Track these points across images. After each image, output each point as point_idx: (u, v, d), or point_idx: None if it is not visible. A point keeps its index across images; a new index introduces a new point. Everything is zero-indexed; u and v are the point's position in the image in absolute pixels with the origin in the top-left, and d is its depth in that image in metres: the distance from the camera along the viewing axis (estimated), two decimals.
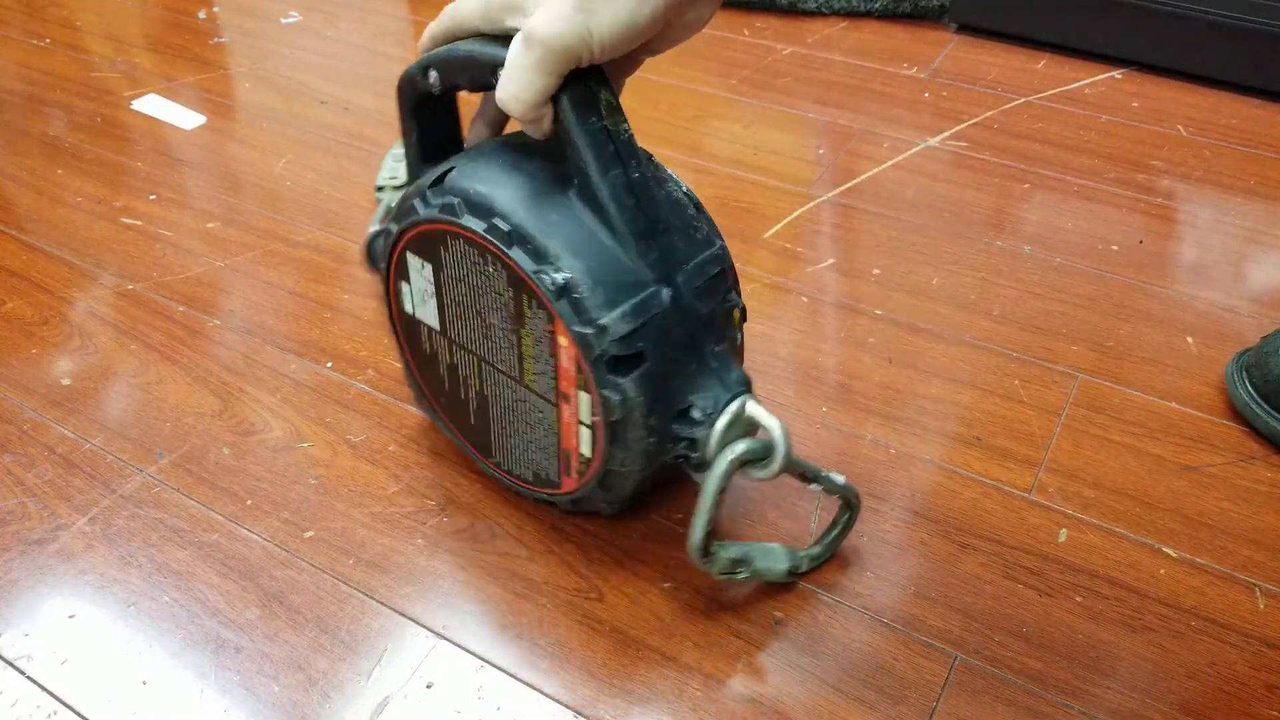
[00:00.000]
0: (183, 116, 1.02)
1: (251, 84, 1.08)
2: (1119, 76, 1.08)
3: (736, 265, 0.79)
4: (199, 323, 0.74)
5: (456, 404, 0.58)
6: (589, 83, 0.44)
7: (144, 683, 0.51)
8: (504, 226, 0.47)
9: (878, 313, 0.75)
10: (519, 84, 0.43)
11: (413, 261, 0.53)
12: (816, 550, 0.55)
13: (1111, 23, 1.08)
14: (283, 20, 1.22)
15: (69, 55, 1.14)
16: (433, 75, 0.50)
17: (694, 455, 0.49)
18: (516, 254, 0.47)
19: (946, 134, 0.98)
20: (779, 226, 0.85)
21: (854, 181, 0.91)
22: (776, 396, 0.67)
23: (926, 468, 0.62)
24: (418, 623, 0.53)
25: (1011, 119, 1.00)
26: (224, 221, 0.85)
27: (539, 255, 0.46)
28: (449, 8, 0.48)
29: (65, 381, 0.69)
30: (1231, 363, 0.67)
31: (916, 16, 1.21)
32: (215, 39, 1.18)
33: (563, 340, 0.47)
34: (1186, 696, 0.50)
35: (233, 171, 0.93)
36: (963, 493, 0.61)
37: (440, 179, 0.50)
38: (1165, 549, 0.57)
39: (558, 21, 0.41)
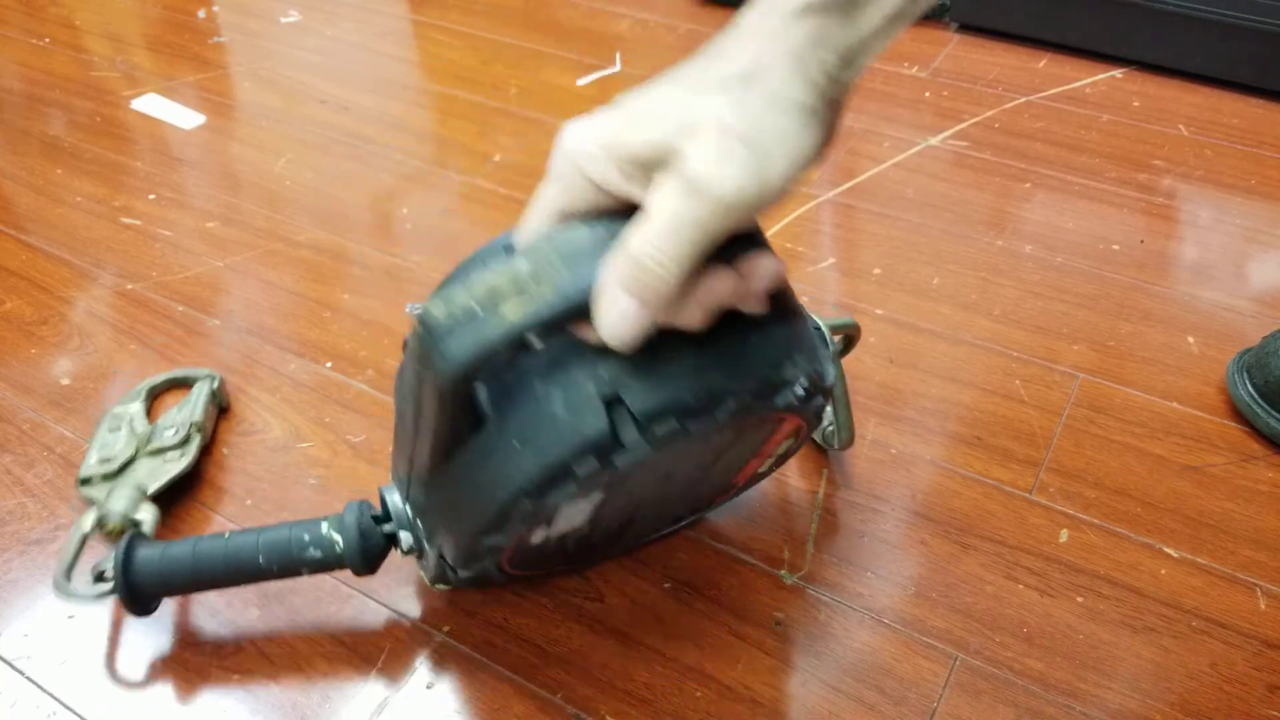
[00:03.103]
0: (182, 116, 1.01)
1: (251, 83, 1.08)
2: (1120, 76, 1.08)
3: None
4: (198, 322, 0.74)
5: (575, 551, 0.51)
6: None
7: (143, 684, 0.51)
8: (741, 403, 0.39)
9: (878, 312, 0.75)
10: (678, 242, 0.32)
11: (569, 506, 0.43)
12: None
13: (1113, 22, 1.07)
14: (282, 19, 1.22)
15: (68, 55, 1.14)
16: (536, 340, 0.35)
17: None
18: (773, 405, 0.41)
19: (947, 133, 0.97)
20: (779, 226, 0.84)
21: (855, 181, 0.90)
22: None
23: (927, 468, 0.62)
24: (418, 623, 0.53)
25: (1012, 118, 1.00)
26: (223, 221, 0.85)
27: (772, 390, 0.41)
28: (549, 194, 0.36)
29: (64, 381, 0.69)
30: (1232, 363, 0.67)
31: None
32: (215, 38, 1.18)
33: (788, 425, 0.46)
34: (1187, 697, 0.50)
35: (232, 171, 0.93)
36: (964, 493, 0.61)
37: (633, 420, 0.38)
38: (1166, 549, 0.57)
39: (727, 167, 0.31)
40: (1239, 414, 0.65)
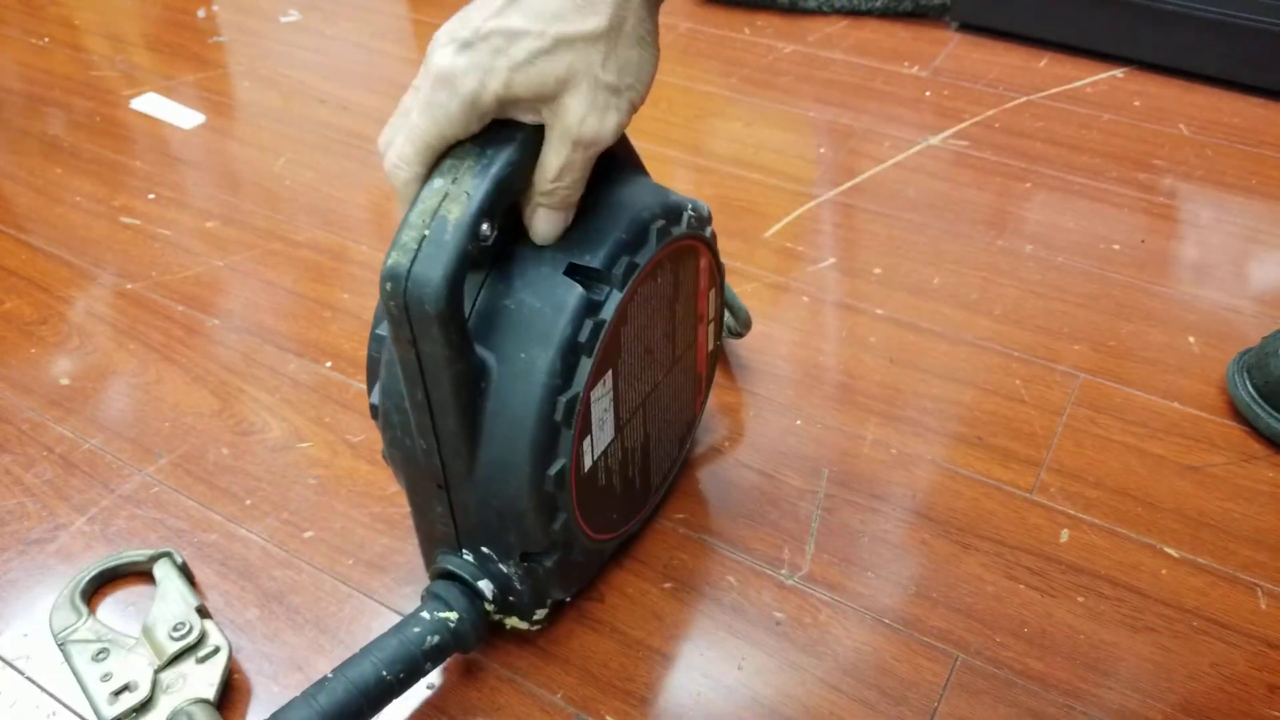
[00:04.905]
0: (182, 115, 1.01)
1: (251, 83, 1.08)
2: (1121, 75, 1.08)
3: (737, 265, 0.79)
4: (198, 322, 0.74)
5: (622, 493, 0.52)
6: None
7: None
8: (659, 225, 0.46)
9: (879, 312, 0.75)
10: (573, 172, 0.41)
11: (597, 401, 0.46)
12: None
13: (1113, 21, 1.07)
14: (282, 19, 1.22)
15: (68, 54, 1.14)
16: (485, 227, 0.39)
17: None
18: (683, 229, 0.48)
19: (948, 133, 0.97)
20: (780, 226, 0.84)
21: (855, 180, 0.90)
22: (778, 396, 0.67)
23: (928, 468, 0.62)
24: None
25: (1013, 118, 1.00)
26: (223, 220, 0.85)
27: (675, 214, 0.48)
28: (421, 125, 0.39)
29: (64, 381, 0.69)
30: (1233, 364, 0.67)
31: (918, 15, 1.21)
32: (214, 38, 1.18)
33: (703, 262, 0.53)
34: (1188, 697, 0.50)
35: (232, 170, 0.93)
36: (964, 493, 0.60)
37: (594, 273, 0.43)
38: (1167, 549, 0.57)
39: (606, 117, 0.40)
40: (1239, 414, 0.65)
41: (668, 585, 0.55)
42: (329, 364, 0.70)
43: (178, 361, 0.70)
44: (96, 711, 0.48)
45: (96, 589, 0.55)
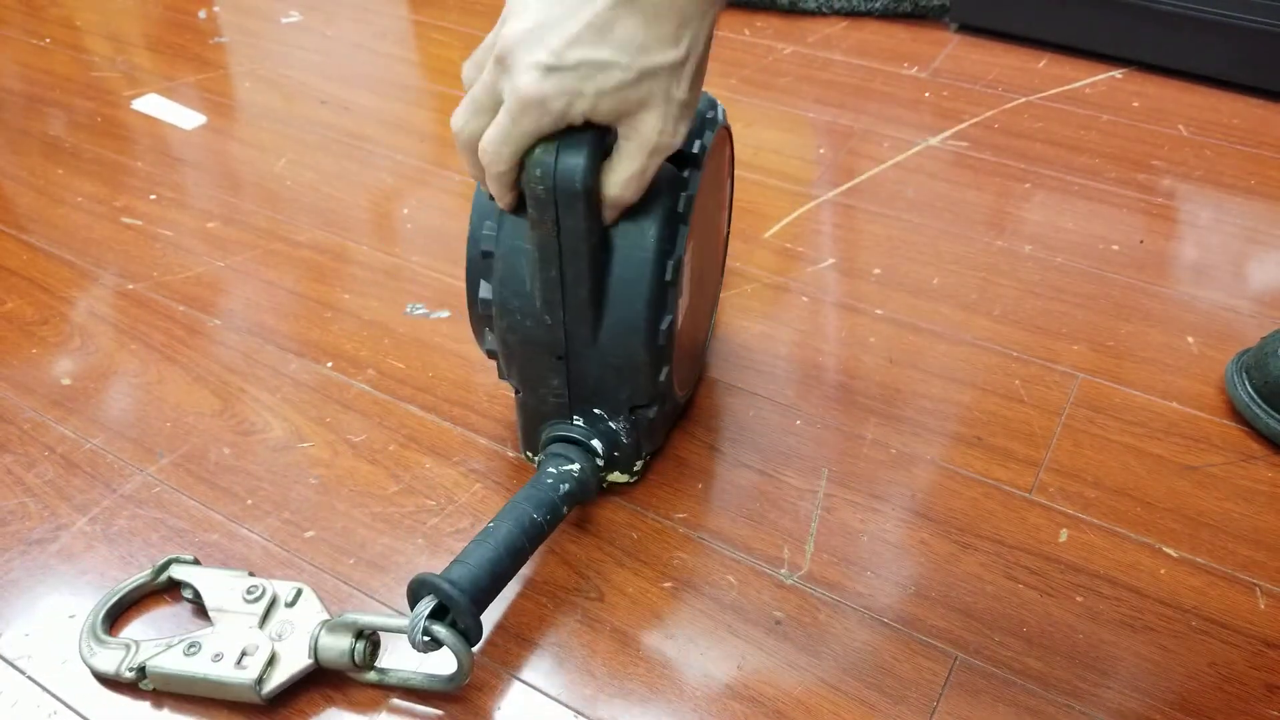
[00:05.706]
0: (183, 116, 1.02)
1: (252, 84, 1.08)
2: (1120, 76, 1.08)
3: (736, 265, 0.80)
4: (199, 322, 0.74)
5: (689, 353, 0.61)
6: None
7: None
8: (709, 115, 0.54)
9: (878, 312, 0.75)
10: (645, 173, 0.47)
11: (686, 265, 0.53)
12: None
13: (1112, 22, 1.08)
14: (283, 20, 1.22)
15: (69, 55, 1.14)
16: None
17: None
18: (719, 119, 0.56)
19: (947, 133, 0.98)
20: (779, 226, 0.85)
21: (854, 181, 0.90)
22: (777, 396, 0.67)
23: (927, 467, 0.62)
24: None
25: (1012, 118, 1.00)
26: (224, 221, 0.85)
27: (714, 108, 0.55)
28: (515, 133, 0.44)
29: (65, 381, 0.69)
30: (1231, 364, 0.67)
31: (917, 16, 1.21)
32: (215, 39, 1.18)
33: (728, 150, 0.62)
34: (1187, 696, 0.50)
35: (233, 171, 0.93)
36: (963, 492, 0.61)
37: (682, 155, 0.51)
38: (1166, 549, 0.57)
39: (680, 128, 0.46)
40: (1238, 414, 0.65)
41: (668, 585, 0.55)
42: (330, 364, 0.70)
43: (179, 361, 0.70)
44: (230, 685, 0.46)
45: (115, 620, 0.53)
